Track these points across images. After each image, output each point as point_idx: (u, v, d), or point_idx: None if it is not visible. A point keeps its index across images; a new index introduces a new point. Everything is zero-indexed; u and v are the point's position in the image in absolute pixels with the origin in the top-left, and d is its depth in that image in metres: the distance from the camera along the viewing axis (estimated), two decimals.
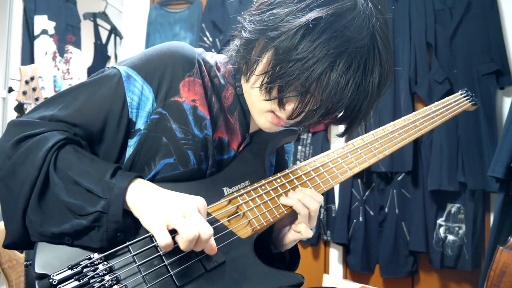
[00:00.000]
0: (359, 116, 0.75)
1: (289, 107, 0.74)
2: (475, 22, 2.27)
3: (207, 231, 0.64)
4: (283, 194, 0.84)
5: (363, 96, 0.71)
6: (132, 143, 0.77)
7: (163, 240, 0.62)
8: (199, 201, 0.68)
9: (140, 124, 0.77)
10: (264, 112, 0.78)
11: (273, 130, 0.82)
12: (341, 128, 2.61)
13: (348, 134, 0.80)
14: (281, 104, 0.74)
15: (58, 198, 0.65)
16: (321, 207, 2.51)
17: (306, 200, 0.83)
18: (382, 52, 0.70)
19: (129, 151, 0.77)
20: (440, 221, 2.31)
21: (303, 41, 0.67)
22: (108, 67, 0.80)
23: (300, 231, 0.84)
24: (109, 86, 0.76)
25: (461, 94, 1.15)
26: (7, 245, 0.70)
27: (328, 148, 2.57)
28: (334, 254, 2.60)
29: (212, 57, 0.86)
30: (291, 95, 0.71)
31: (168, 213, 0.64)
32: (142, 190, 0.68)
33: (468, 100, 1.14)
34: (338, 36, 0.66)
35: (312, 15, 0.66)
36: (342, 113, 0.74)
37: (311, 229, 0.85)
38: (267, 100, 0.74)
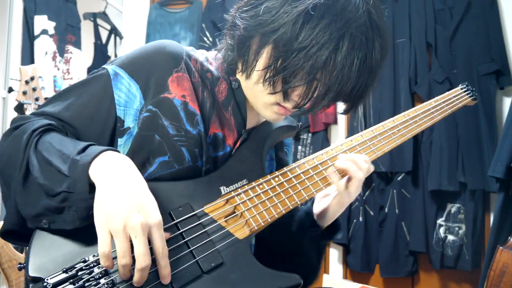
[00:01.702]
0: (366, 92, 0.75)
1: (296, 96, 0.74)
2: (475, 22, 2.27)
3: (144, 263, 0.58)
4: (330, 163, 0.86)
5: (368, 71, 0.71)
6: (122, 142, 0.77)
7: (100, 249, 0.58)
8: (153, 223, 0.60)
9: (129, 122, 0.77)
10: (269, 105, 0.78)
11: (280, 120, 0.83)
12: (341, 126, 2.61)
13: (353, 111, 0.80)
14: (287, 95, 0.74)
15: (35, 179, 0.65)
16: None
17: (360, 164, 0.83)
18: (379, 24, 0.71)
19: (121, 150, 0.77)
20: (440, 221, 2.31)
21: (303, 30, 0.67)
22: (99, 68, 0.81)
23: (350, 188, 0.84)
24: (97, 85, 0.77)
25: (461, 89, 1.13)
26: (3, 233, 0.70)
27: None
28: (334, 254, 2.60)
29: (202, 54, 0.87)
30: (297, 84, 0.71)
31: (113, 225, 0.58)
32: (105, 166, 0.63)
33: (468, 95, 1.12)
34: (338, 19, 0.66)
35: (310, 1, 0.66)
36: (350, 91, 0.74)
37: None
38: (273, 93, 0.74)
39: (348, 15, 0.67)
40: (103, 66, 0.80)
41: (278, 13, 0.68)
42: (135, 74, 0.77)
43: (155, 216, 0.61)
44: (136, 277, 0.60)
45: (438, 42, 2.35)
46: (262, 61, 0.73)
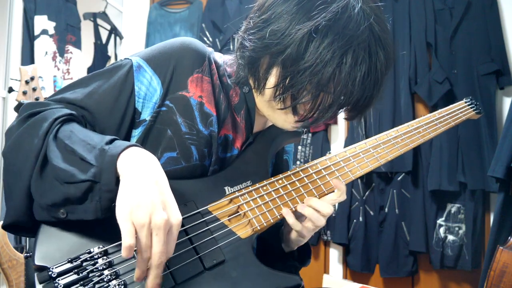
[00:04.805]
0: (371, 103, 0.78)
1: (302, 109, 0.77)
2: (475, 22, 2.27)
3: (160, 260, 0.59)
4: (298, 200, 0.85)
5: (373, 83, 0.74)
6: (136, 134, 0.78)
7: (126, 241, 0.57)
8: (175, 223, 0.61)
9: (146, 115, 0.78)
10: (287, 119, 0.81)
11: (295, 128, 0.86)
12: (341, 126, 2.61)
13: (359, 118, 0.83)
14: (295, 109, 0.77)
15: (54, 166, 0.63)
16: None
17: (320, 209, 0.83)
18: (382, 37, 0.73)
19: (133, 141, 0.78)
20: (440, 221, 2.32)
21: (308, 50, 0.70)
22: (123, 59, 0.82)
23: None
24: (120, 75, 0.78)
25: (466, 102, 1.17)
26: (6, 225, 0.68)
27: (328, 148, 2.58)
28: (334, 254, 2.60)
29: (220, 57, 0.89)
30: (305, 100, 0.74)
31: (137, 217, 0.58)
32: (133, 160, 0.63)
33: (472, 109, 1.16)
34: (340, 37, 0.69)
35: (312, 23, 0.69)
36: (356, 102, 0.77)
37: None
38: (282, 109, 0.77)
39: (350, 32, 0.70)
40: (126, 57, 0.81)
41: (283, 35, 0.71)
42: (158, 68, 0.79)
43: (177, 216, 0.62)
44: (152, 274, 0.60)
45: (438, 42, 2.35)
46: (272, 80, 0.76)
